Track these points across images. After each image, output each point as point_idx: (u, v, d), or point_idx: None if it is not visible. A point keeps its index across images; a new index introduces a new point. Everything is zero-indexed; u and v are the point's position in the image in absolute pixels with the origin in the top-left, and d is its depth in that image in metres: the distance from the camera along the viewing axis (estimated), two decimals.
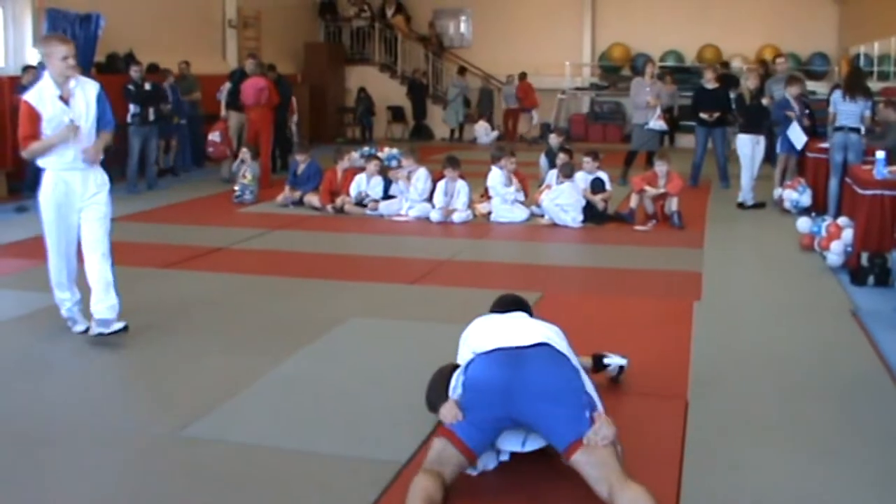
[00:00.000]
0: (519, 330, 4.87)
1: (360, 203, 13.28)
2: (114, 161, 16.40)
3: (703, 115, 15.42)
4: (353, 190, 13.44)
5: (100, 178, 7.09)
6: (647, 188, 12.23)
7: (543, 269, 9.84)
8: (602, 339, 6.96)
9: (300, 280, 9.06)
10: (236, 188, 14.49)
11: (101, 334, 6.82)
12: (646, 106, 16.01)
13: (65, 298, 7.12)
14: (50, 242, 6.99)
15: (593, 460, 4.20)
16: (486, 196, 13.03)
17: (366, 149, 17.10)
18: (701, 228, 11.87)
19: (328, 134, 23.90)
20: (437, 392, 4.85)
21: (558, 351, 4.70)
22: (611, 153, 16.21)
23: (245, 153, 14.66)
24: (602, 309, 7.99)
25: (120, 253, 9.67)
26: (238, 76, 17.24)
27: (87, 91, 6.96)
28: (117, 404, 5.90)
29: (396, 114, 26.49)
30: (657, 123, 16.05)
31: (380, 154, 15.23)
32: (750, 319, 7.66)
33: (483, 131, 24.84)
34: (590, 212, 12.19)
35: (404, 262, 10.03)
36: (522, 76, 24.88)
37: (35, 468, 4.87)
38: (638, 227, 11.93)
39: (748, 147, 13.60)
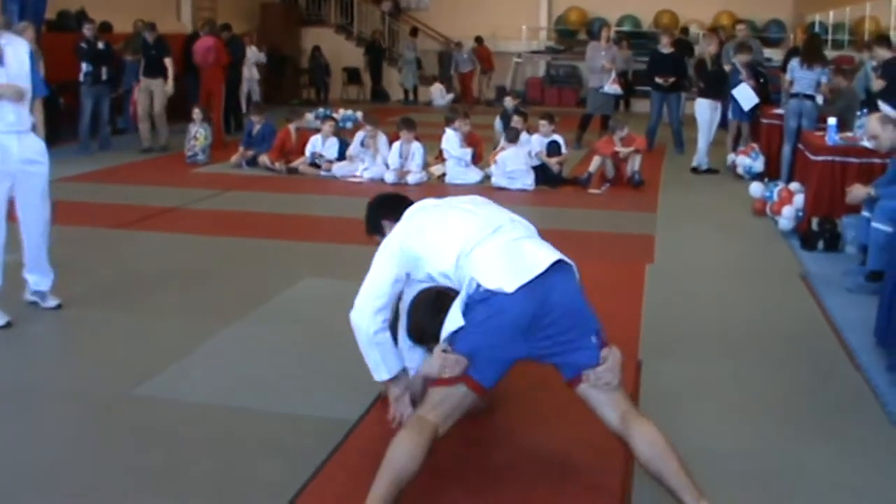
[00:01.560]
0: (521, 252, 4.15)
1: (315, 164, 13.24)
2: (66, 121, 16.36)
3: (658, 80, 15.44)
4: (309, 150, 13.40)
5: (38, 145, 6.50)
6: (621, 149, 12.26)
7: None
8: None
9: (253, 240, 9.03)
10: (188, 150, 14.38)
11: (34, 304, 6.68)
12: (601, 70, 16.07)
13: None
14: None
15: (600, 389, 3.95)
16: (440, 158, 13.01)
17: (321, 110, 17.05)
18: (655, 192, 11.94)
19: (284, 95, 23.75)
20: (430, 323, 4.37)
21: (571, 267, 4.21)
22: (567, 117, 16.24)
23: (197, 114, 14.54)
24: None
25: (71, 213, 9.65)
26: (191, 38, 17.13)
27: (18, 50, 6.30)
28: (67, 366, 5.84)
29: (352, 75, 26.32)
30: (612, 87, 16.11)
31: (335, 115, 15.19)
32: (702, 282, 7.72)
33: (438, 93, 24.78)
34: (544, 175, 12.20)
35: (358, 223, 9.88)
36: (479, 40, 24.88)
37: None
38: (592, 191, 11.97)
39: (707, 112, 13.68)
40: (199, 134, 14.35)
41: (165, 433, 4.73)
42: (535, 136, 12.74)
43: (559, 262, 4.10)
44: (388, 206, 4.93)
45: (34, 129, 6.48)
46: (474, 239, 4.15)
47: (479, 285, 3.98)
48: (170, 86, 15.37)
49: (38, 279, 6.66)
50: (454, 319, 4.01)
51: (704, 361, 5.86)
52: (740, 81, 13.40)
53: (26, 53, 6.35)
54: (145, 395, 5.21)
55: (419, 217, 4.50)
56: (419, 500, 3.95)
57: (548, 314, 3.93)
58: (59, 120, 16.27)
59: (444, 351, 3.97)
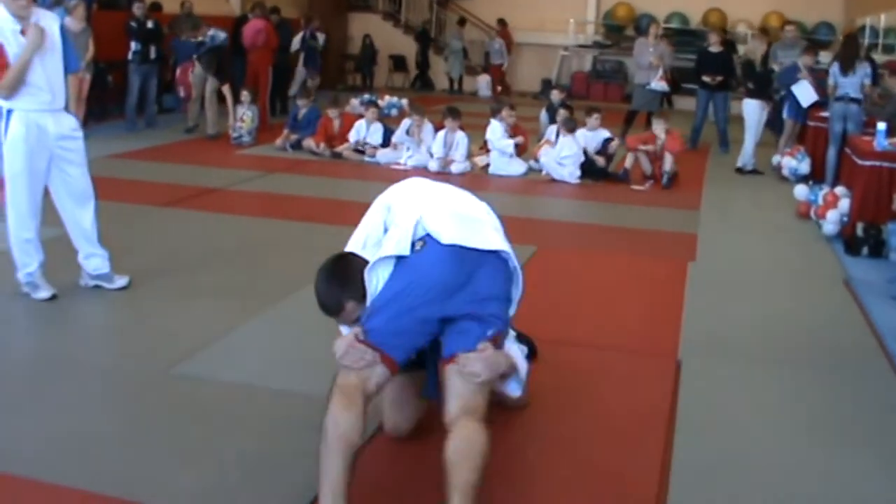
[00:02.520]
0: (475, 226, 4.15)
1: (359, 150, 13.27)
2: (114, 98, 16.48)
3: (705, 79, 15.34)
4: (353, 136, 13.43)
5: (73, 122, 6.45)
6: (641, 146, 12.23)
7: (539, 223, 9.83)
8: (594, 296, 7.02)
9: (295, 223, 9.06)
10: (233, 132, 14.45)
11: (98, 287, 6.70)
12: (648, 66, 15.98)
13: (28, 261, 6.37)
14: (17, 195, 6.26)
15: (463, 377, 3.79)
16: (484, 149, 13.01)
17: (366, 96, 17.07)
18: (698, 191, 11.86)
19: (329, 80, 23.77)
20: (324, 291, 4.22)
21: (509, 265, 4.10)
22: (611, 112, 16.12)
23: (245, 96, 14.61)
24: (595, 265, 8.00)
25: (117, 190, 9.73)
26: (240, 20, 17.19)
27: (49, 24, 6.20)
28: (110, 342, 5.90)
29: (398, 63, 26.33)
30: (659, 84, 16.01)
31: (380, 102, 15.20)
32: (743, 283, 7.67)
33: (484, 84, 24.72)
34: (588, 168, 12.19)
35: None
36: (502, 22, 24.87)
37: (33, 401, 4.89)
38: (635, 187, 11.93)
39: (756, 112, 13.55)
40: (245, 116, 14.42)
41: (205, 411, 4.77)
42: (581, 130, 12.70)
43: (502, 252, 4.09)
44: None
45: (67, 106, 6.46)
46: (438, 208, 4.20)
47: (424, 229, 4.05)
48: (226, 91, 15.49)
49: (96, 262, 6.68)
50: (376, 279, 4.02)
51: (744, 363, 5.80)
52: (795, 77, 13.28)
53: (56, 27, 6.29)
54: (185, 373, 5.25)
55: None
56: None
57: (469, 287, 3.92)
58: (106, 98, 16.42)
59: (357, 336, 3.92)
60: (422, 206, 4.17)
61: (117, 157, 12.72)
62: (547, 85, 23.09)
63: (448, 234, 3.98)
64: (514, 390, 4.37)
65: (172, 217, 9.21)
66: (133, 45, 15.16)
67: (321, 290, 4.22)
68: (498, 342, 3.95)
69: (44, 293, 6.43)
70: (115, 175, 11.02)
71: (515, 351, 4.42)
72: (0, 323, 6.14)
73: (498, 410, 4.75)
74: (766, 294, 7.39)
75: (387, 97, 18.06)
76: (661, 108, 16.07)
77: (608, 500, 4.06)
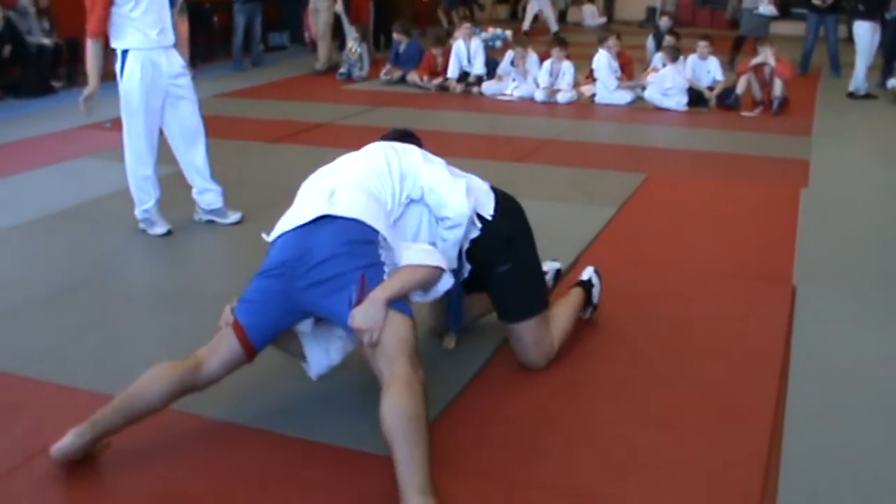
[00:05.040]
0: (319, 194, 3.99)
1: (464, 80, 13.31)
2: (220, 39, 16.68)
3: (815, 2, 14.99)
4: (453, 62, 13.44)
5: (181, 59, 6.54)
6: (753, 60, 12.04)
7: (648, 150, 9.74)
8: (706, 223, 6.96)
9: None
10: (342, 68, 14.58)
11: (211, 222, 6.86)
12: None
13: (145, 198, 6.53)
14: (135, 133, 6.39)
15: (370, 355, 3.60)
16: (591, 78, 12.91)
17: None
18: (810, 116, 11.63)
19: (433, 14, 23.70)
20: None
21: (343, 218, 3.81)
22: (718, 39, 15.84)
23: (354, 32, 14.74)
24: (707, 192, 7.91)
25: (226, 127, 9.89)
26: None
27: None
28: (224, 276, 6.01)
29: None
30: (767, 8, 15.67)
31: (483, 34, 15.14)
32: (859, 209, 7.51)
33: (589, 14, 24.45)
34: (696, 96, 12.04)
35: (509, 141, 10.01)
36: None
37: (152, 331, 5.04)
38: (745, 113, 11.74)
39: (867, 34, 13.18)
40: (355, 49, 14.56)
41: None
42: (692, 57, 12.52)
43: (332, 216, 3.81)
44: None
45: (177, 44, 6.57)
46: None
47: None
48: (339, 3, 15.51)
49: (210, 197, 6.82)
50: None
51: (862, 289, 5.68)
52: None
53: None
54: None
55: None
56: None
57: (308, 262, 3.72)
58: (212, 38, 16.63)
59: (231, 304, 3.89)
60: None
61: (226, 95, 12.91)
62: (652, 13, 22.76)
63: (274, 232, 3.98)
64: (444, 286, 3.94)
65: (282, 152, 9.32)
66: None
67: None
68: (363, 293, 3.59)
69: (159, 229, 6.60)
70: (225, 113, 11.19)
71: (415, 256, 3.87)
72: (119, 258, 6.30)
73: (599, 340, 4.81)
74: (884, 220, 7.21)
75: (491, 29, 17.94)
76: (769, 34, 15.74)
77: (724, 417, 4.05)
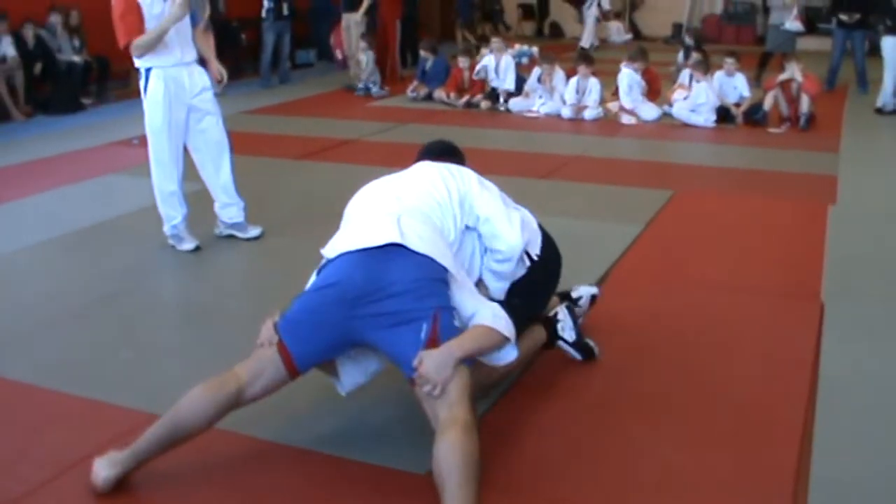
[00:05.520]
0: (383, 218, 3.93)
1: (491, 97, 13.35)
2: (248, 56, 16.77)
3: (842, 17, 14.94)
4: (479, 65, 13.64)
5: (204, 75, 6.61)
6: (780, 76, 12.01)
7: (675, 167, 9.74)
8: (733, 238, 6.95)
9: None
10: (360, 84, 14.70)
11: (231, 236, 6.90)
12: (782, 6, 15.61)
13: (173, 214, 6.58)
14: (159, 149, 6.45)
15: (423, 395, 3.55)
16: (617, 94, 12.91)
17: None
18: (837, 133, 11.56)
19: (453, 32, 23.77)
20: None
21: (416, 253, 3.75)
22: (744, 55, 15.83)
23: (362, 44, 14.84)
24: (734, 208, 7.89)
25: (254, 144, 9.95)
26: None
27: None
28: (253, 290, 6.04)
29: (527, 11, 26.19)
30: (794, 24, 15.62)
31: (510, 50, 15.19)
32: (887, 226, 7.46)
33: (615, 30, 24.45)
34: (723, 112, 12.03)
35: (535, 157, 10.02)
36: None
37: (182, 347, 5.07)
38: (772, 130, 11.71)
39: (895, 50, 13.15)
40: (361, 61, 14.72)
41: None
42: (718, 73, 12.50)
43: (404, 246, 3.74)
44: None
45: (200, 60, 6.65)
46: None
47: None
48: (359, 14, 15.58)
49: (232, 212, 6.86)
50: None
51: (888, 307, 5.63)
52: None
53: None
54: None
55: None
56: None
57: (379, 292, 3.63)
58: (240, 55, 16.73)
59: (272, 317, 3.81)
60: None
61: (253, 112, 12.98)
62: (678, 29, 22.73)
63: (335, 250, 3.89)
64: (507, 356, 3.91)
65: (308, 169, 9.36)
66: (266, 3, 15.41)
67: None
68: (436, 335, 3.58)
69: (188, 245, 6.64)
70: (252, 130, 11.26)
71: (488, 314, 3.82)
72: (147, 273, 6.35)
73: (627, 356, 4.81)
74: None
75: (516, 45, 17.99)
76: (795, 49, 15.71)
77: (752, 436, 4.03)
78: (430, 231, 3.87)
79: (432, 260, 3.73)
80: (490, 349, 3.77)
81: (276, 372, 3.70)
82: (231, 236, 6.92)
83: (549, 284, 4.55)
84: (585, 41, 21.37)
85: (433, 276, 3.72)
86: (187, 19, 6.39)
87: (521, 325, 4.07)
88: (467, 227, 4.12)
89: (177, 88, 6.39)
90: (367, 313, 3.63)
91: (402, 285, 3.63)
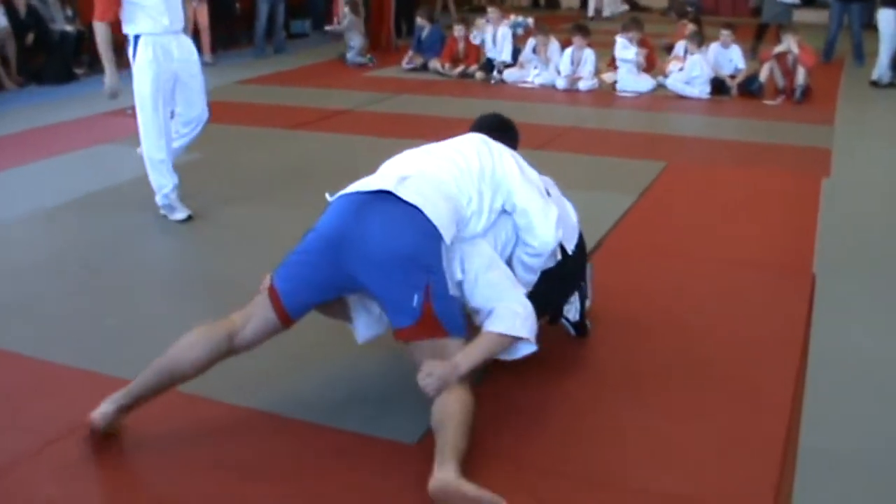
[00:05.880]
0: (394, 170, 3.99)
1: (489, 67, 13.33)
2: (242, 25, 16.69)
3: None
4: (477, 39, 13.63)
5: (190, 44, 6.67)
6: (776, 48, 11.99)
7: (669, 138, 9.72)
8: (726, 211, 6.95)
9: (424, 141, 9.09)
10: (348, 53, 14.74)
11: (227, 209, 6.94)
12: None
13: (164, 182, 6.58)
14: (147, 117, 6.44)
15: (419, 351, 3.64)
16: (612, 65, 12.88)
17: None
18: (832, 105, 11.56)
19: (457, 0, 23.67)
20: None
21: (411, 206, 3.69)
22: (741, 26, 15.77)
23: (345, 9, 14.86)
24: (727, 180, 7.89)
25: (249, 114, 9.92)
26: None
27: None
28: (244, 260, 6.00)
29: None
30: None
31: (506, 21, 15.13)
32: (880, 199, 7.48)
33: (611, 1, 24.36)
34: (718, 84, 12.00)
35: (529, 128, 9.78)
36: None
37: (177, 317, 5.08)
38: (767, 102, 11.69)
39: (891, 22, 13.02)
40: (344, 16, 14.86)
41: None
42: (714, 45, 12.47)
43: (402, 199, 3.69)
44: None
45: (186, 30, 6.70)
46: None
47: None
48: None
49: None
50: None
51: (880, 280, 5.64)
52: None
53: None
54: None
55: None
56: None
57: (362, 238, 3.62)
58: (235, 25, 16.66)
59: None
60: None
61: (247, 82, 12.94)
62: (674, 0, 22.63)
63: (337, 194, 3.88)
64: (522, 351, 3.88)
65: (300, 139, 9.36)
66: None
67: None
68: (428, 300, 3.57)
69: (180, 214, 6.65)
70: (244, 100, 11.26)
71: (507, 315, 3.78)
72: (139, 243, 6.35)
73: (619, 330, 4.81)
74: None
75: (512, 16, 17.94)
76: (792, 21, 15.66)
77: (742, 406, 4.04)
78: (434, 192, 3.80)
79: (422, 214, 3.67)
80: (501, 351, 3.81)
81: (265, 314, 3.73)
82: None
83: (575, 280, 4.52)
84: (591, 10, 21.60)
85: (423, 232, 3.66)
86: None
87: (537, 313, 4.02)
88: (505, 211, 4.05)
89: (165, 56, 6.40)
90: (352, 257, 3.62)
91: (390, 234, 3.62)
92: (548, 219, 4.01)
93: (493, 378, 4.12)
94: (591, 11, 21.76)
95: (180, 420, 3.79)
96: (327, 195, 3.95)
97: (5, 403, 4.03)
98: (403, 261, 3.59)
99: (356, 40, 14.77)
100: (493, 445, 3.66)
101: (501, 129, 4.54)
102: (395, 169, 3.99)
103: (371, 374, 4.27)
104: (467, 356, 3.61)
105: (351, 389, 4.14)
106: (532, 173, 4.18)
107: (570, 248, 4.29)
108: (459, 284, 3.81)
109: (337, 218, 3.74)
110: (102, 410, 3.58)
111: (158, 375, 3.64)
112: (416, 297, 3.56)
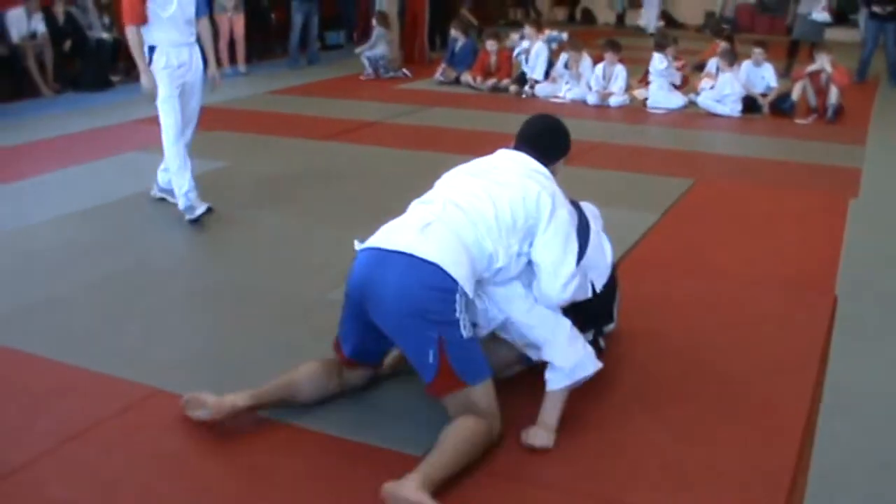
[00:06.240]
0: (417, 221, 3.92)
1: (519, 81, 13.36)
2: (277, 36, 16.80)
3: (875, 9, 14.83)
4: (516, 52, 13.83)
5: (200, 56, 6.98)
6: (809, 67, 11.95)
7: (698, 155, 9.71)
8: (751, 229, 6.93)
9: (452, 155, 9.11)
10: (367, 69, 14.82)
11: (163, 200, 7.27)
12: None
13: (183, 184, 6.81)
14: (170, 122, 6.79)
15: (448, 403, 3.75)
16: (644, 81, 12.88)
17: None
18: (865, 125, 11.49)
19: (490, 15, 23.72)
20: None
21: (425, 261, 3.69)
22: (777, 45, 15.73)
23: (375, 23, 14.95)
24: (754, 198, 7.86)
25: (281, 124, 9.97)
26: None
27: None
28: (267, 268, 6.05)
29: None
30: (821, 14, 15.47)
31: (541, 36, 15.16)
32: None
33: (648, 17, 24.35)
34: (750, 102, 11.97)
35: None
36: None
37: (187, 320, 5.12)
38: (799, 121, 11.65)
39: None
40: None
41: None
42: (746, 63, 12.44)
43: (419, 258, 3.71)
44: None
45: (198, 40, 6.99)
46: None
47: None
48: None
49: (167, 176, 7.09)
50: None
51: None
52: None
53: None
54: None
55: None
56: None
57: (380, 297, 3.71)
58: (269, 35, 16.77)
59: None
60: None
61: (280, 92, 13.03)
62: (710, 17, 22.60)
63: (377, 237, 3.94)
64: (532, 358, 4.11)
65: (329, 150, 9.39)
66: None
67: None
68: (443, 354, 3.64)
69: (201, 209, 6.86)
70: (275, 110, 11.34)
71: (565, 361, 3.91)
72: (164, 249, 6.45)
73: (634, 345, 4.81)
74: None
75: (547, 31, 17.98)
76: (823, 40, 15.61)
77: (754, 428, 4.02)
78: (455, 242, 3.79)
79: (440, 269, 3.67)
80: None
81: (365, 372, 4.16)
82: (163, 200, 7.27)
83: (597, 318, 4.51)
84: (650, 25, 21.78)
85: (438, 286, 3.67)
86: (192, 4, 6.76)
87: None
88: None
89: (179, 64, 6.75)
90: (374, 315, 3.78)
91: (403, 292, 3.67)
92: (556, 277, 3.93)
93: (500, 392, 4.13)
94: (651, 28, 22.04)
95: (193, 427, 3.82)
96: (356, 242, 4.01)
97: (26, 404, 4.08)
98: (413, 318, 3.66)
99: (382, 50, 14.82)
100: (497, 461, 3.68)
101: (546, 136, 4.41)
102: (421, 213, 3.98)
103: (380, 385, 4.30)
104: (551, 415, 3.86)
105: (360, 401, 4.17)
106: (561, 215, 4.00)
107: (598, 285, 4.31)
108: (503, 323, 4.03)
109: (359, 276, 3.85)
110: (237, 403, 3.80)
111: (279, 396, 3.94)
112: (431, 354, 3.66)
